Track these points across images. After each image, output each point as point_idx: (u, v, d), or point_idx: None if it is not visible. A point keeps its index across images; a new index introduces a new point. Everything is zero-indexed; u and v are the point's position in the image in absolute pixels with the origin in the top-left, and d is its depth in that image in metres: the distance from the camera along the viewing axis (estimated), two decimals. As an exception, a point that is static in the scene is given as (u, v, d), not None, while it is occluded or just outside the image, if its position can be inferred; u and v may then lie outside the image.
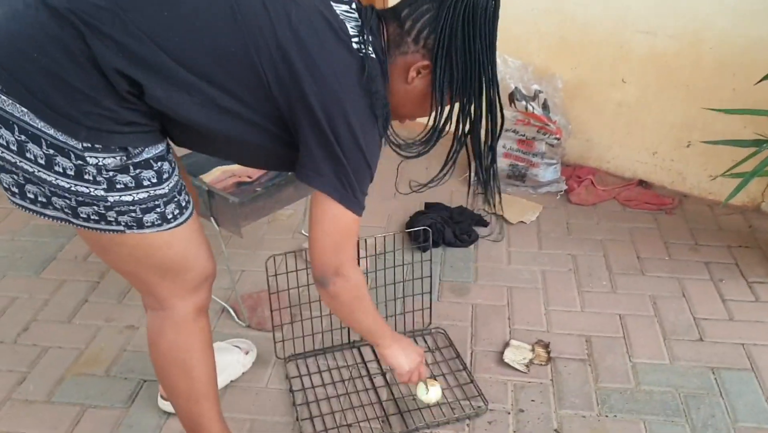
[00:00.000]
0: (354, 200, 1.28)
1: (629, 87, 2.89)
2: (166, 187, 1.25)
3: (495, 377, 1.95)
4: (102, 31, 1.08)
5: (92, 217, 1.22)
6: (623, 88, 2.91)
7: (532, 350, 2.02)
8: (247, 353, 1.99)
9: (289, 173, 1.98)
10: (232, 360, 1.94)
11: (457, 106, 1.33)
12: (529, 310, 2.23)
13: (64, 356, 2.04)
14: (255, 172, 2.15)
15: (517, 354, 2.00)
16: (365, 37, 1.24)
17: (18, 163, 1.16)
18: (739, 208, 2.82)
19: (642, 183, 3.00)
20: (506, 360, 1.98)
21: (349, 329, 2.06)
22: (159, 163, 1.23)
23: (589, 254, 2.53)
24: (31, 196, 1.22)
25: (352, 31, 1.25)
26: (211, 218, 2.00)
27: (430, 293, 2.13)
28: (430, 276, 2.14)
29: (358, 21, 1.27)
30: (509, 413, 1.84)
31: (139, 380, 1.94)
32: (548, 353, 2.02)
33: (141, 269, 1.34)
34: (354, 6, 1.30)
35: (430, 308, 2.14)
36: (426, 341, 2.11)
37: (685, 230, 2.69)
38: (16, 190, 1.22)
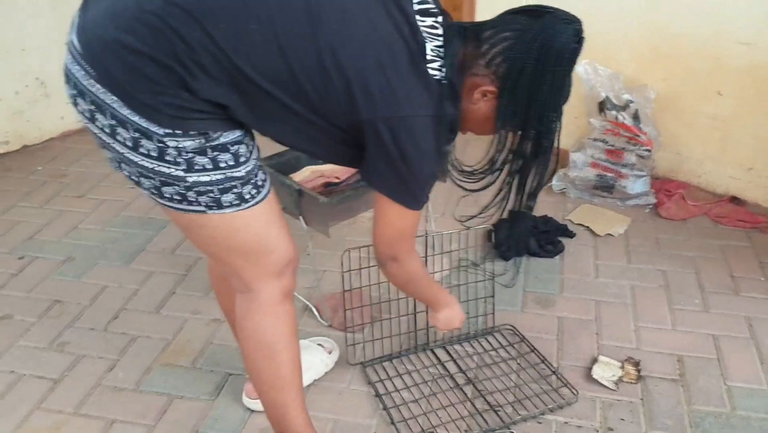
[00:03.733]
0: (413, 202, 1.36)
1: (724, 100, 2.78)
2: (243, 171, 1.29)
3: (583, 393, 1.89)
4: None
5: (175, 197, 1.27)
6: (717, 101, 2.80)
7: (622, 368, 1.96)
8: (330, 352, 1.99)
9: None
10: (316, 360, 1.94)
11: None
12: (618, 325, 2.17)
13: (152, 345, 2.08)
14: (343, 174, 2.15)
15: (606, 371, 1.94)
16: (444, 62, 1.28)
17: (111, 144, 1.24)
18: (840, 231, 2.68)
19: (735, 200, 2.88)
20: (595, 376, 1.92)
21: (419, 332, 2.08)
22: (235, 147, 1.27)
23: (680, 271, 2.45)
24: (126, 174, 1.29)
25: (430, 54, 1.27)
26: (300, 217, 2.01)
27: (493, 296, 2.18)
28: (493, 278, 2.25)
29: (440, 40, 1.29)
30: (597, 431, 1.78)
31: (225, 373, 1.97)
32: (638, 371, 1.95)
33: (223, 252, 1.39)
34: (441, 20, 1.31)
35: (494, 309, 2.18)
36: (496, 338, 2.11)
37: (782, 250, 2.58)
38: (117, 165, 1.29)
